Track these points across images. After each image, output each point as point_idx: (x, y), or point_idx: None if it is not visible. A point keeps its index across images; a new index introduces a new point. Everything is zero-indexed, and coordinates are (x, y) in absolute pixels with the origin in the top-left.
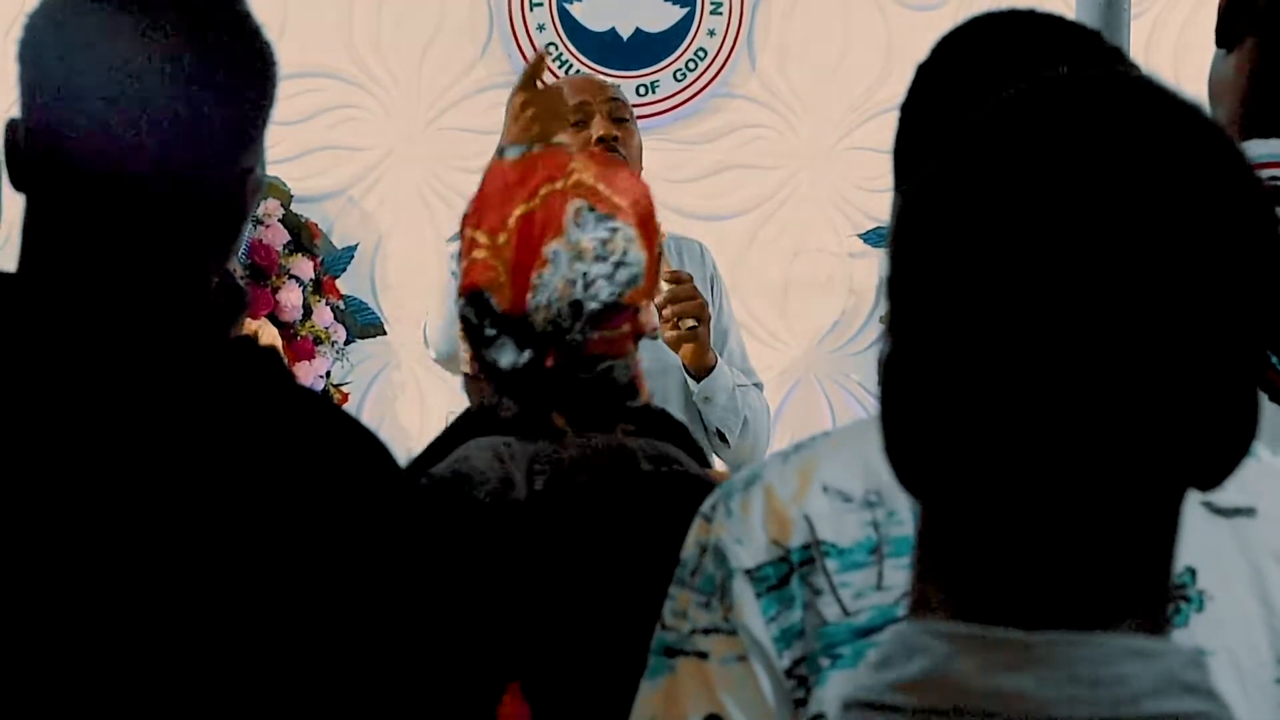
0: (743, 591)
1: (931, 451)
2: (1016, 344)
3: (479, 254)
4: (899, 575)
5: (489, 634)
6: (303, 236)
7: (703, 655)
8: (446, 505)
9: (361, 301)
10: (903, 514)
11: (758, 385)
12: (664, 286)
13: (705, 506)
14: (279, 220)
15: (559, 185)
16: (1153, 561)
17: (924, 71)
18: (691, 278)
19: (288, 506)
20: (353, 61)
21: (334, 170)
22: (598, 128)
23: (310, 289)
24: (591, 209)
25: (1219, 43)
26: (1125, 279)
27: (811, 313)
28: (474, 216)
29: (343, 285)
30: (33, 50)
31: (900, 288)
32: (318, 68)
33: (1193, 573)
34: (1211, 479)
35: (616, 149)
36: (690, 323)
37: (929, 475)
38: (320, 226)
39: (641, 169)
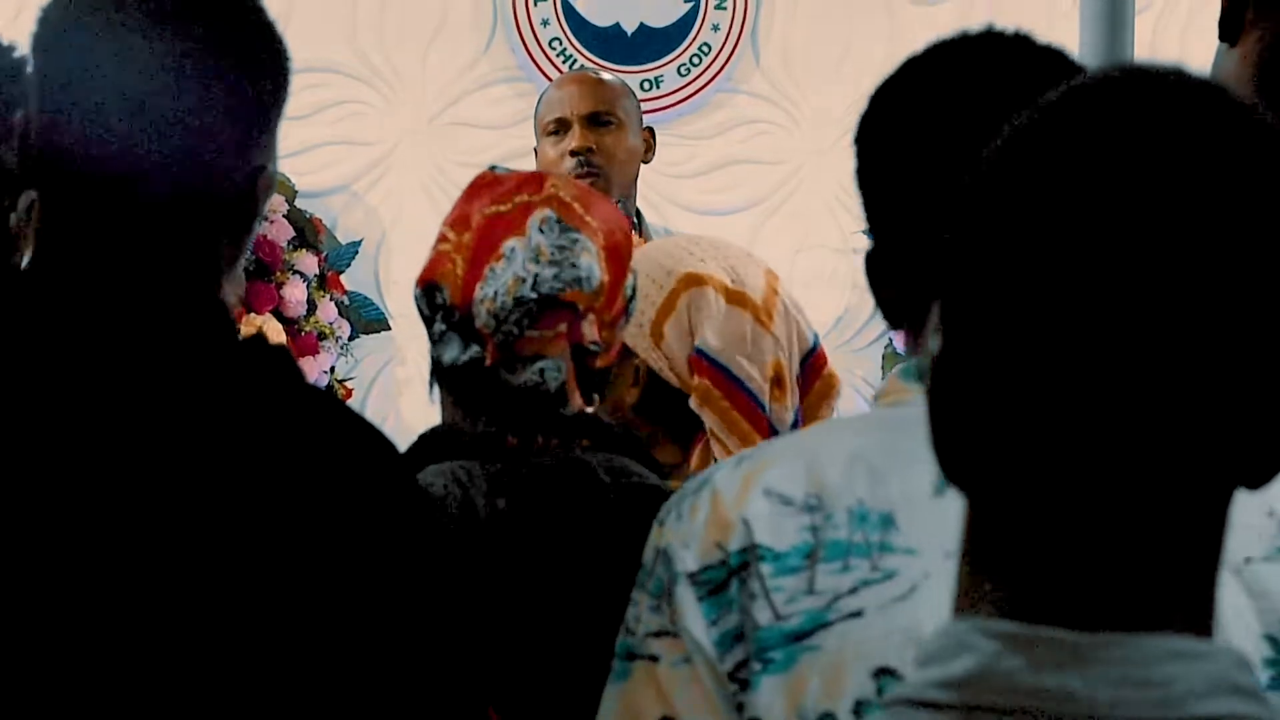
0: (685, 595)
1: (982, 448)
2: (1070, 341)
3: (443, 247)
4: (831, 580)
5: (462, 658)
6: (307, 232)
7: (654, 659)
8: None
9: (365, 297)
10: (839, 517)
11: None
12: None
13: (661, 512)
14: (283, 216)
15: (533, 197)
16: (1201, 562)
17: (880, 97)
18: None
19: (295, 506)
20: (357, 56)
21: (338, 165)
22: (572, 139)
23: (314, 284)
24: (559, 220)
25: (1222, 37)
26: (1179, 277)
27: (814, 308)
28: (449, 217)
29: (347, 280)
30: (44, 43)
31: (953, 285)
32: (322, 63)
33: None
34: (1260, 478)
35: (592, 162)
36: None
37: (978, 472)
38: (324, 222)
39: (639, 164)
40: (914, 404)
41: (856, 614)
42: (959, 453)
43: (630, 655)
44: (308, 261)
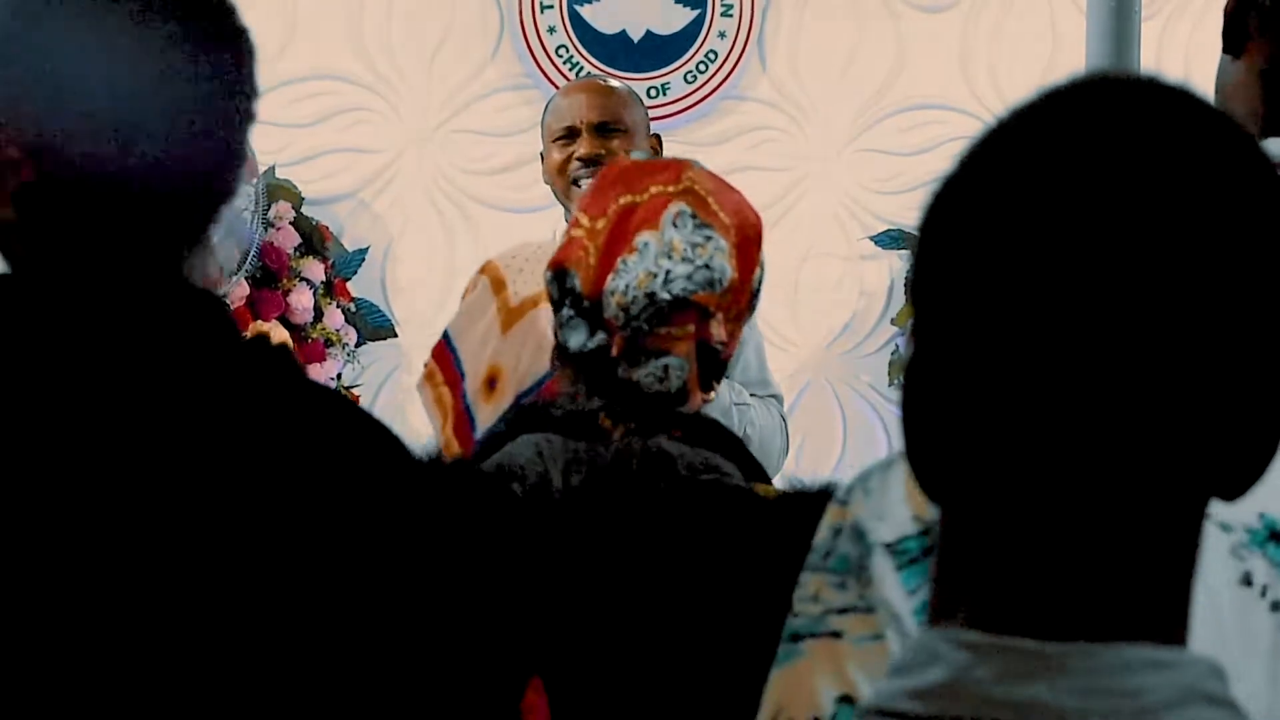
0: (882, 565)
1: (953, 457)
2: (1039, 351)
3: (576, 233)
4: None
5: (512, 626)
6: (314, 239)
7: (836, 635)
8: (484, 497)
9: (372, 304)
10: None
11: (776, 397)
12: None
13: (840, 493)
14: (290, 223)
15: (670, 189)
16: (1173, 572)
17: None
18: None
19: (303, 502)
20: (363, 64)
21: (345, 173)
22: (581, 146)
23: (321, 291)
24: (694, 215)
25: (1226, 49)
26: (1150, 286)
27: (822, 315)
28: (582, 202)
29: (354, 288)
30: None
31: (923, 293)
32: (328, 70)
33: None
34: (1234, 490)
35: (598, 165)
36: None
37: (949, 481)
38: (331, 229)
39: None
40: None
41: None
42: (930, 462)
43: (799, 636)
44: (314, 268)
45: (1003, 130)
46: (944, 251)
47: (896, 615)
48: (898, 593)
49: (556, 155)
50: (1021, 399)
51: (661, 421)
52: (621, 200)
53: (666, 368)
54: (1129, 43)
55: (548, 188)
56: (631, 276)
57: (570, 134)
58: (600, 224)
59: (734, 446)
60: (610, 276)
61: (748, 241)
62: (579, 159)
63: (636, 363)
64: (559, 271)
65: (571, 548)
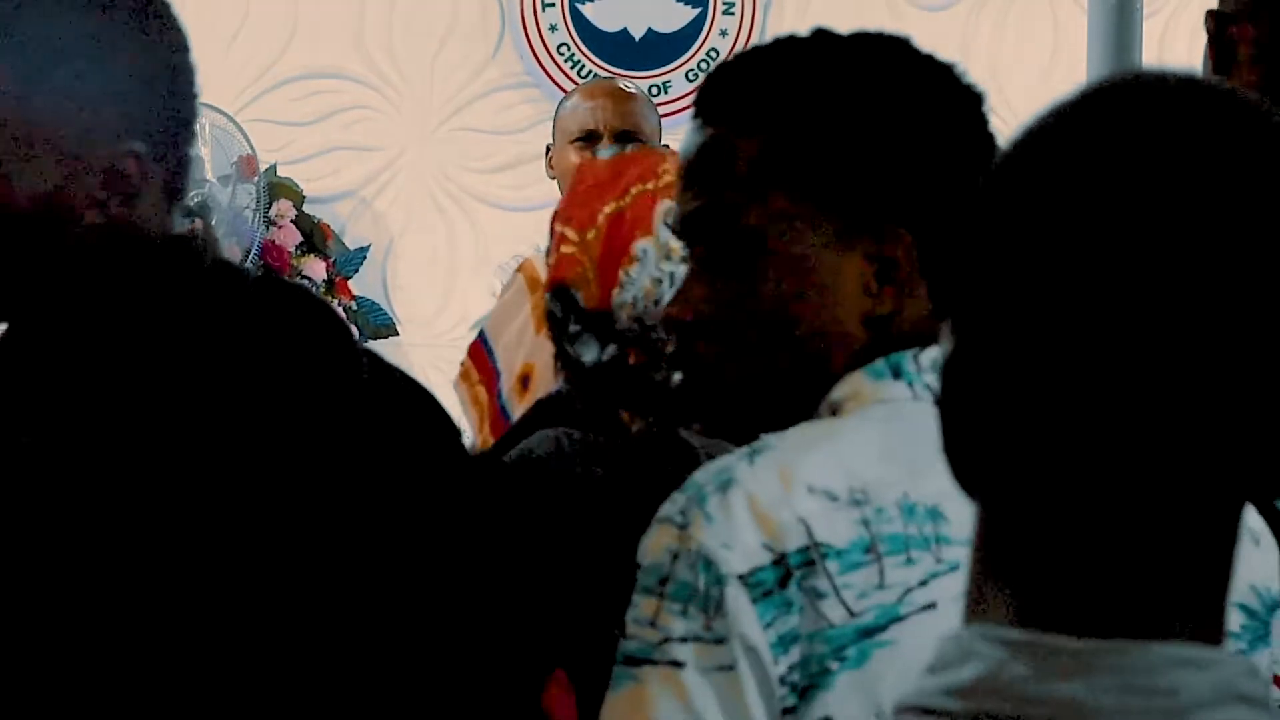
0: (737, 597)
1: (992, 454)
2: (1081, 349)
3: (567, 249)
4: (899, 573)
5: (536, 618)
6: (315, 237)
7: (677, 664)
8: (511, 489)
9: (373, 302)
10: (890, 510)
11: None
12: None
13: (670, 512)
14: (291, 221)
15: (650, 185)
16: (1211, 571)
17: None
18: None
19: (364, 480)
20: (364, 62)
21: (346, 171)
22: (602, 149)
23: (322, 290)
24: None
25: (1216, 70)
26: (1193, 286)
27: None
28: (564, 213)
29: (355, 286)
30: None
31: (965, 288)
32: (329, 69)
33: None
34: (1273, 490)
35: None
36: None
37: (989, 478)
38: (332, 227)
39: None
40: (908, 401)
41: (930, 606)
42: (970, 458)
43: (635, 660)
44: (316, 267)
45: (1046, 129)
46: (988, 248)
47: (753, 648)
48: (754, 626)
49: (573, 157)
50: (1063, 396)
51: (681, 415)
52: (606, 209)
53: None
54: (1130, 41)
55: (549, 185)
56: (637, 288)
57: (590, 138)
58: (590, 235)
59: (751, 440)
60: (615, 291)
61: None
62: None
63: (658, 367)
64: (559, 289)
65: (595, 540)
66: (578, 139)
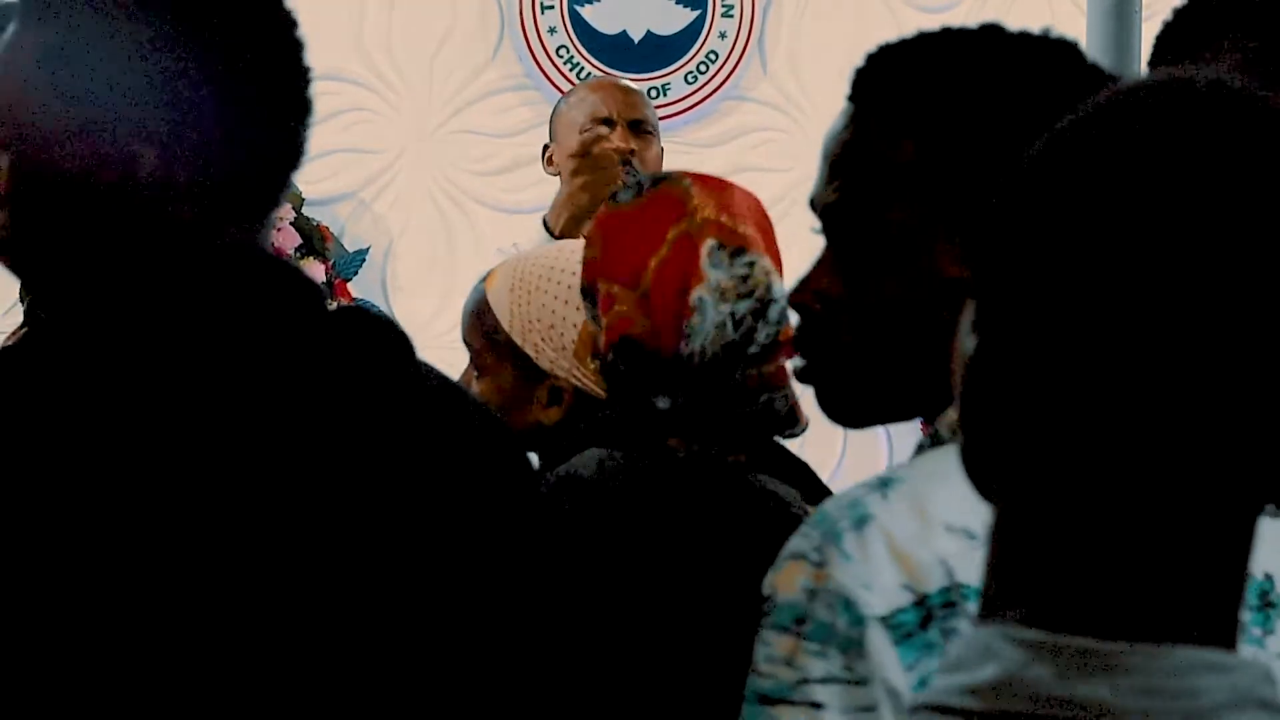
0: (878, 640)
1: (1014, 454)
2: (1106, 351)
3: (621, 308)
4: None
5: (568, 634)
6: (314, 240)
7: (817, 706)
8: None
9: (373, 304)
10: None
11: None
12: None
13: (803, 548)
14: (290, 223)
15: (685, 226)
16: (1227, 574)
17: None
18: None
19: (421, 493)
20: (364, 64)
21: (345, 173)
22: (618, 138)
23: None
24: (722, 246)
25: None
26: (1218, 290)
27: None
28: (601, 267)
29: (354, 288)
30: (32, 9)
31: (989, 289)
32: (328, 70)
33: (1271, 579)
34: None
35: (630, 163)
36: None
37: (1008, 478)
38: (331, 229)
39: None
40: None
41: None
42: (990, 458)
43: (770, 700)
44: (315, 269)
45: (1070, 130)
46: (1011, 248)
47: (894, 691)
48: (896, 668)
49: (576, 146)
50: (1086, 399)
51: (729, 443)
52: (650, 261)
53: (770, 400)
54: (1129, 42)
55: (548, 187)
56: (705, 336)
57: (606, 123)
58: (640, 291)
59: (799, 470)
60: (682, 344)
61: (770, 233)
62: (614, 150)
63: (746, 405)
64: (627, 344)
65: (631, 563)
66: (591, 125)
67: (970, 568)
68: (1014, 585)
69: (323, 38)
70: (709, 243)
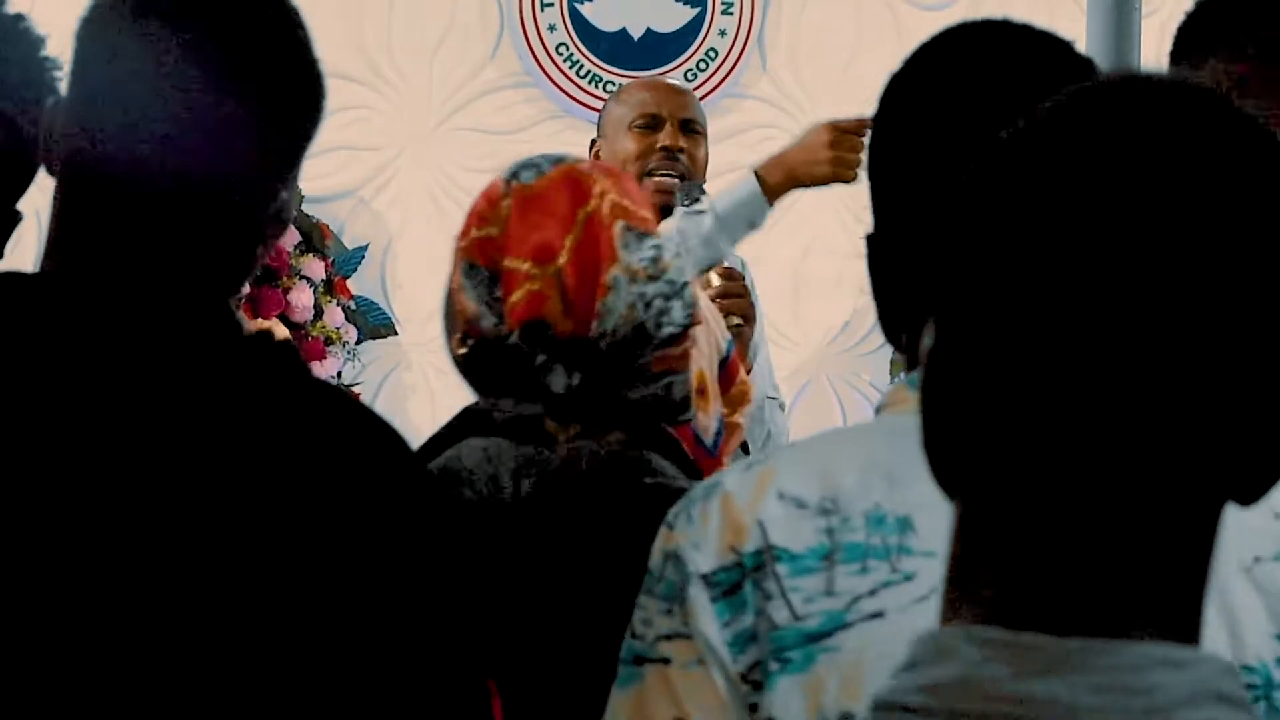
0: (698, 596)
1: (972, 451)
2: (1063, 347)
3: (533, 286)
4: (849, 581)
5: (473, 628)
6: (314, 237)
7: (665, 661)
8: (445, 500)
9: (372, 302)
10: (856, 521)
11: (781, 404)
12: (715, 280)
13: (669, 515)
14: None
15: (592, 207)
16: (1188, 571)
17: (896, 84)
18: (743, 275)
19: (305, 498)
20: (363, 62)
21: (344, 171)
22: (666, 137)
23: (321, 289)
24: (629, 228)
25: None
26: (1174, 287)
27: (822, 312)
28: (506, 245)
29: (353, 285)
30: (85, 36)
31: (947, 284)
32: (328, 68)
33: None
34: (1252, 493)
35: (678, 158)
36: (736, 320)
37: (967, 475)
38: (331, 227)
39: (705, 179)
40: None
41: (877, 615)
42: (948, 454)
43: (639, 659)
44: (314, 266)
45: (1032, 126)
46: (970, 244)
47: (712, 646)
48: (712, 624)
49: (632, 144)
50: (1043, 394)
51: (606, 423)
52: (565, 240)
53: (670, 384)
54: (1129, 42)
55: None
56: (617, 316)
57: (654, 122)
58: (552, 269)
59: (672, 447)
60: (594, 323)
61: (657, 222)
62: (663, 148)
63: (635, 386)
64: (535, 325)
65: (525, 552)
66: (640, 125)
67: (789, 532)
68: (973, 584)
69: (322, 35)
70: (619, 224)
